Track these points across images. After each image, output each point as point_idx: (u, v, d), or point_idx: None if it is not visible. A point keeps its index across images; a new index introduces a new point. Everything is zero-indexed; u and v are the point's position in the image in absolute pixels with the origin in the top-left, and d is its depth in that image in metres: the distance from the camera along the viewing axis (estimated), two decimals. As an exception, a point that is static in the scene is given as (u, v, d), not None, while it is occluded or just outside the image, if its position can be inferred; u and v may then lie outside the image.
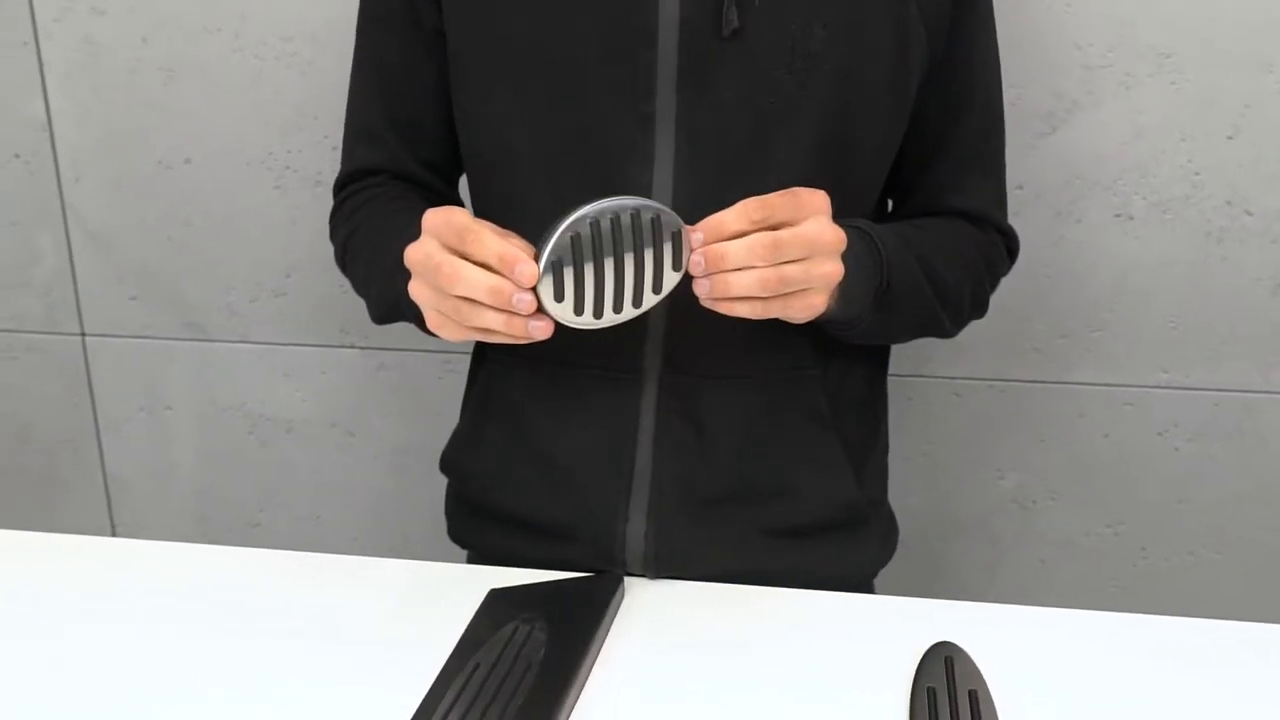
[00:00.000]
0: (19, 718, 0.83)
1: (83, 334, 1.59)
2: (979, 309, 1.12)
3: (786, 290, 0.86)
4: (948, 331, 1.09)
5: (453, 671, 0.85)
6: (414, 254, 0.87)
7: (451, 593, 0.96)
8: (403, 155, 1.07)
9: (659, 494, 1.03)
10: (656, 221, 0.84)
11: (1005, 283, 1.40)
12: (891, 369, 1.48)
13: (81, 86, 1.47)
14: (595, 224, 0.82)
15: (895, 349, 1.46)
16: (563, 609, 0.92)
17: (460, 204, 1.12)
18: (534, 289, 0.82)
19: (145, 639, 0.92)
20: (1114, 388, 1.44)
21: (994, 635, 0.92)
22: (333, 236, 1.12)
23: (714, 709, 0.84)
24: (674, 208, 0.96)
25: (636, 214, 0.84)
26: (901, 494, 1.52)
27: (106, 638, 0.92)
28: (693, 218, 0.94)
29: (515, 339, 0.85)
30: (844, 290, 0.92)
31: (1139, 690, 0.86)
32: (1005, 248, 1.13)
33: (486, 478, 1.10)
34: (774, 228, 0.85)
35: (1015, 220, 1.37)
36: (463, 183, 1.12)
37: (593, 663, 0.88)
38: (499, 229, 0.86)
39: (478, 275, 0.83)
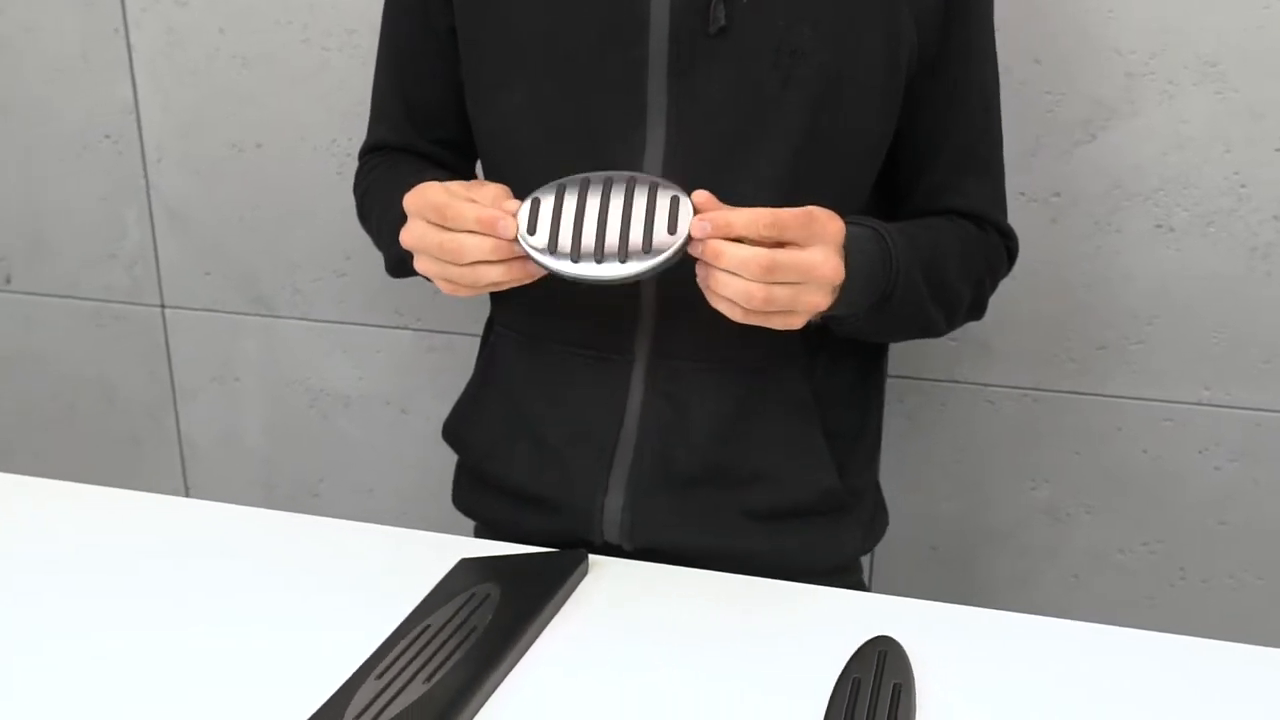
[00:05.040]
0: (99, 650, 0.90)
1: (162, 305, 1.69)
2: (976, 311, 1.12)
3: (769, 310, 0.87)
4: (940, 334, 1.09)
5: (404, 631, 0.90)
6: (407, 238, 0.94)
7: (437, 560, 1.00)
8: (415, 137, 1.15)
9: (638, 469, 1.06)
10: (654, 186, 0.87)
11: (1041, 290, 1.39)
12: (923, 374, 1.48)
13: (165, 73, 1.57)
14: (586, 180, 0.88)
15: (925, 354, 1.47)
16: (521, 581, 0.96)
17: (475, 179, 1.18)
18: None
19: (202, 589, 0.99)
20: (1153, 402, 1.41)
21: (943, 635, 0.92)
22: (355, 195, 1.20)
23: (643, 686, 0.86)
24: None
25: (633, 179, 0.87)
26: (933, 500, 1.52)
27: (175, 587, 0.99)
28: None
29: (520, 283, 0.91)
30: (845, 293, 0.92)
31: (1074, 700, 0.86)
32: (1006, 249, 1.12)
33: (482, 448, 1.15)
34: (781, 243, 0.86)
35: (1052, 228, 1.37)
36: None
37: (537, 634, 0.91)
38: (466, 186, 0.92)
39: (476, 242, 0.89)
